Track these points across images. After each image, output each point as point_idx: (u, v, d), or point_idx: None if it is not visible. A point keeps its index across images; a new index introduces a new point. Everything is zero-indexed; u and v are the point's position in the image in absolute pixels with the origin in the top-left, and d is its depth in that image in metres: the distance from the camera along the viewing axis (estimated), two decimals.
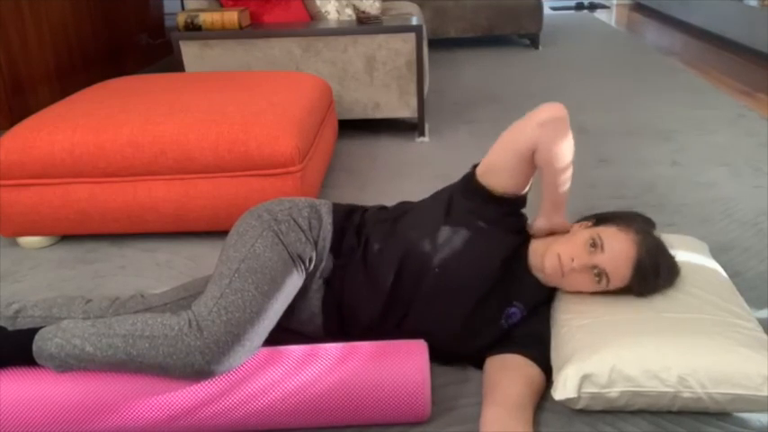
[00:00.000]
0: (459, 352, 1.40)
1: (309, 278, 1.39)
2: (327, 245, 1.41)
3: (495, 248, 1.36)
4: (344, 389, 1.22)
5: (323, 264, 1.40)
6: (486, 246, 1.36)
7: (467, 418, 1.29)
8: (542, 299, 1.44)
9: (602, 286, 1.33)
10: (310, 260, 1.37)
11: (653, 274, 1.33)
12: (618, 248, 1.30)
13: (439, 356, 1.40)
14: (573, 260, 1.31)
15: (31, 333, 1.23)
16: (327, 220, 1.44)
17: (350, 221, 1.46)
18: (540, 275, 1.41)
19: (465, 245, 1.34)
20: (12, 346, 1.23)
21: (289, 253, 1.32)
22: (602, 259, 1.31)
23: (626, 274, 1.32)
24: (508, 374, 1.27)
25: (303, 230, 1.38)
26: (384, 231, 1.41)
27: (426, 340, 1.32)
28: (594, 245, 1.31)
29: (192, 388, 1.20)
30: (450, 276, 1.33)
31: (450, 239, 1.35)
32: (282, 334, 1.40)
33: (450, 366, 1.43)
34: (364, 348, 1.27)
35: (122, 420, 1.20)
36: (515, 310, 1.38)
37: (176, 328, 1.18)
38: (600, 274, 1.31)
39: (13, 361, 1.23)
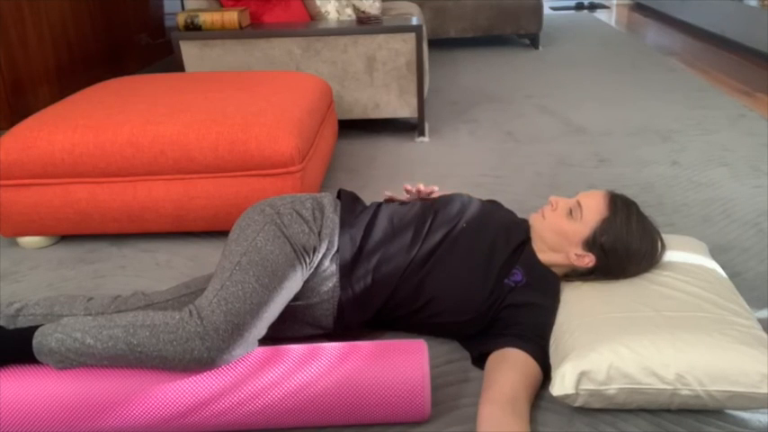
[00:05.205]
0: (464, 314, 1.41)
1: (321, 265, 1.41)
2: (334, 234, 1.44)
3: (514, 216, 1.60)
4: (344, 388, 1.22)
5: (332, 251, 1.42)
6: (508, 212, 1.62)
7: (467, 418, 1.29)
8: (541, 274, 1.47)
9: (575, 217, 1.45)
10: (314, 250, 1.39)
11: (625, 211, 1.43)
12: (592, 192, 1.50)
13: (437, 330, 1.47)
14: (552, 205, 1.50)
15: (31, 330, 1.23)
16: (330, 210, 1.47)
17: (359, 203, 1.55)
18: (540, 255, 1.49)
19: (491, 211, 1.55)
20: (12, 344, 1.23)
21: (292, 245, 1.34)
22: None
23: (599, 202, 1.45)
24: (504, 370, 1.28)
25: (306, 221, 1.40)
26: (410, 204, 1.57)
27: (439, 296, 1.41)
28: (572, 211, 1.47)
29: (192, 386, 1.20)
30: (475, 231, 1.47)
31: (476, 206, 1.55)
32: (295, 325, 1.43)
33: (451, 366, 1.44)
34: (364, 348, 1.27)
35: (122, 418, 1.20)
36: (517, 272, 1.45)
37: (177, 317, 1.20)
38: (573, 208, 1.46)
39: (13, 358, 1.23)
